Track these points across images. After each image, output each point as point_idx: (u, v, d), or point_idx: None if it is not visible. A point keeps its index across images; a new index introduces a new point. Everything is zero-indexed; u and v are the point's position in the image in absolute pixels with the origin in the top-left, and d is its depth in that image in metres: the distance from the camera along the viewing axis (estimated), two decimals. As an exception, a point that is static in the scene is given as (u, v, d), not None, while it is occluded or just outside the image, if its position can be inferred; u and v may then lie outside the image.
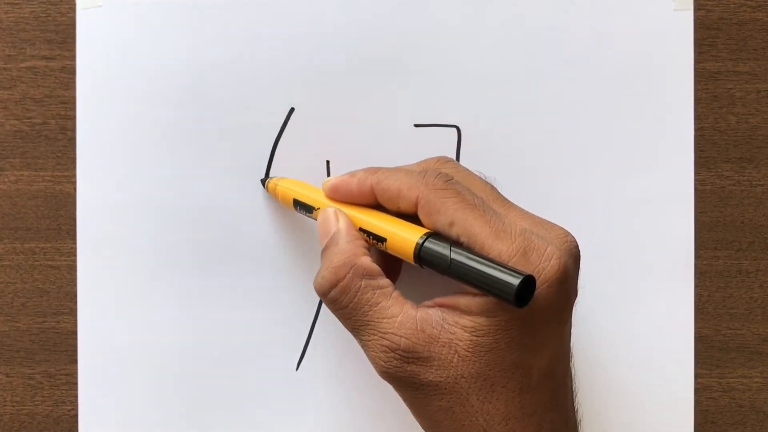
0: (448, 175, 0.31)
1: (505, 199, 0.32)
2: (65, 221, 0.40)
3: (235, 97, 0.39)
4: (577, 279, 0.30)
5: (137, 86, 0.39)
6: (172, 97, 0.39)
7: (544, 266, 0.28)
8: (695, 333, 0.39)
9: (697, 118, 0.40)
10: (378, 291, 0.30)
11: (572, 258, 0.30)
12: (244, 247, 0.39)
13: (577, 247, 0.30)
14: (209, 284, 0.39)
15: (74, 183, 0.39)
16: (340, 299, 0.31)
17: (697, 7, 0.40)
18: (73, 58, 0.39)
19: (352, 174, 0.33)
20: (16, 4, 0.40)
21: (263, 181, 0.39)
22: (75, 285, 0.39)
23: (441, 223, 0.30)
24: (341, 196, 0.33)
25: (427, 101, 0.39)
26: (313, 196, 0.35)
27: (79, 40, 0.39)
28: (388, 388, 0.31)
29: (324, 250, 0.32)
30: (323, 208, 0.34)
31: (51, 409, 0.40)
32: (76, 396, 0.39)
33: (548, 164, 0.39)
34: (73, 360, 0.39)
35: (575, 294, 0.30)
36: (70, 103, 0.39)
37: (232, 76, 0.39)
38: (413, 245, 0.30)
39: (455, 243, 0.29)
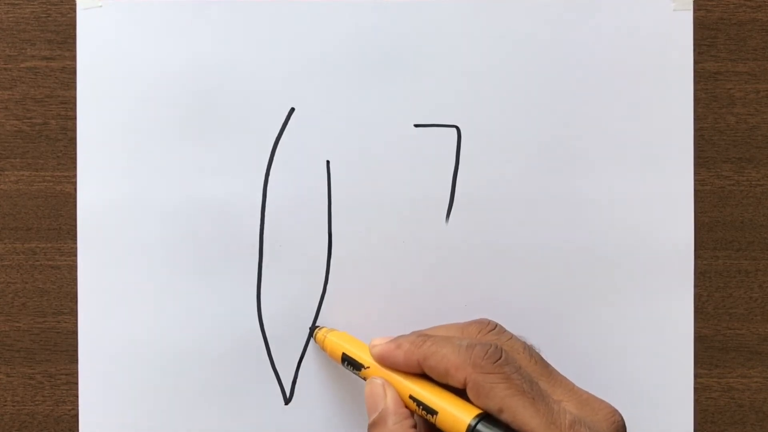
0: (497, 351, 0.31)
1: (551, 371, 0.32)
2: (65, 221, 0.40)
3: (235, 96, 0.39)
4: None
5: (137, 86, 0.39)
6: (171, 97, 0.39)
7: None
8: (695, 333, 0.39)
9: (697, 118, 0.40)
10: None
11: None
12: (244, 246, 0.39)
13: (624, 426, 0.31)
14: (209, 284, 0.39)
15: (74, 183, 0.39)
16: None
17: (697, 8, 0.40)
18: (74, 58, 0.39)
19: (398, 344, 0.33)
20: (17, 4, 0.40)
21: (311, 329, 0.39)
22: (75, 285, 0.39)
23: (490, 407, 0.29)
24: (389, 364, 0.33)
25: (427, 101, 0.39)
26: (363, 354, 0.35)
27: (80, 40, 0.39)
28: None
29: (371, 427, 0.32)
30: (371, 378, 0.33)
31: (51, 409, 0.40)
32: (76, 396, 0.39)
33: (548, 164, 0.39)
34: (73, 360, 0.39)
35: None
36: (70, 103, 0.40)
37: (232, 75, 0.39)
38: (465, 425, 0.30)
39: (507, 428, 0.29)
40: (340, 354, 0.36)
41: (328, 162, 0.39)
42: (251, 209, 0.39)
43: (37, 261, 0.40)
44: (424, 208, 0.39)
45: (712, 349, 0.40)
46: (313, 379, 0.39)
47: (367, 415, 0.33)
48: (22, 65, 0.40)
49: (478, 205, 0.39)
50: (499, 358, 0.30)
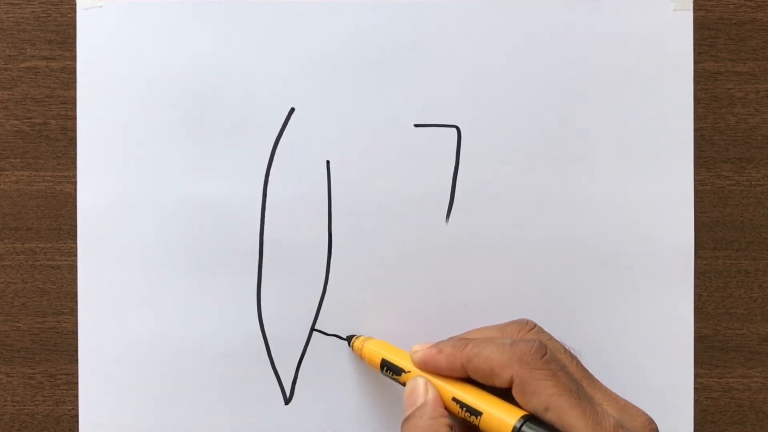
0: (542, 346, 0.30)
1: (590, 375, 0.32)
2: (65, 221, 0.40)
3: (235, 97, 0.39)
4: None
5: (137, 86, 0.39)
6: (172, 97, 0.39)
7: None
8: (695, 333, 0.39)
9: (697, 118, 0.40)
10: None
11: None
12: (244, 247, 0.39)
13: None
14: (209, 284, 0.39)
15: (74, 183, 0.39)
16: None
17: (697, 8, 0.40)
18: (74, 58, 0.39)
19: (439, 348, 0.32)
20: (17, 4, 0.40)
21: (349, 339, 0.39)
22: (75, 285, 0.39)
23: (535, 405, 0.29)
24: (431, 369, 0.33)
25: (427, 101, 0.39)
26: (402, 360, 0.34)
27: (80, 40, 0.39)
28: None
29: (406, 421, 0.32)
30: (415, 377, 0.33)
31: (51, 409, 0.40)
32: (76, 396, 0.39)
33: (548, 164, 0.39)
34: (73, 360, 0.39)
35: None
36: (70, 103, 0.40)
37: (232, 76, 0.39)
38: (510, 427, 0.29)
39: (552, 429, 0.29)
40: (379, 360, 0.35)
41: (328, 162, 0.39)
42: (251, 209, 0.39)
43: (37, 261, 0.40)
44: (424, 208, 0.39)
45: (712, 349, 0.40)
46: (313, 379, 0.39)
47: (404, 411, 0.32)
48: (22, 65, 0.40)
49: (478, 205, 0.39)
50: (545, 354, 0.30)
